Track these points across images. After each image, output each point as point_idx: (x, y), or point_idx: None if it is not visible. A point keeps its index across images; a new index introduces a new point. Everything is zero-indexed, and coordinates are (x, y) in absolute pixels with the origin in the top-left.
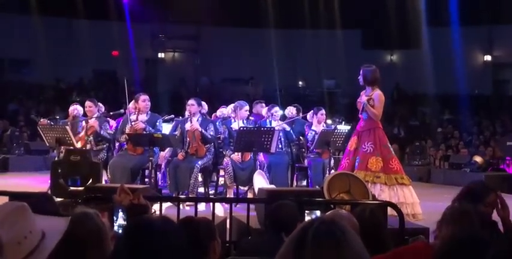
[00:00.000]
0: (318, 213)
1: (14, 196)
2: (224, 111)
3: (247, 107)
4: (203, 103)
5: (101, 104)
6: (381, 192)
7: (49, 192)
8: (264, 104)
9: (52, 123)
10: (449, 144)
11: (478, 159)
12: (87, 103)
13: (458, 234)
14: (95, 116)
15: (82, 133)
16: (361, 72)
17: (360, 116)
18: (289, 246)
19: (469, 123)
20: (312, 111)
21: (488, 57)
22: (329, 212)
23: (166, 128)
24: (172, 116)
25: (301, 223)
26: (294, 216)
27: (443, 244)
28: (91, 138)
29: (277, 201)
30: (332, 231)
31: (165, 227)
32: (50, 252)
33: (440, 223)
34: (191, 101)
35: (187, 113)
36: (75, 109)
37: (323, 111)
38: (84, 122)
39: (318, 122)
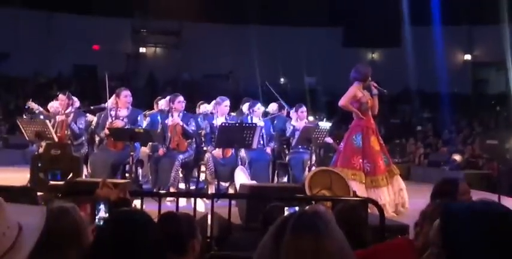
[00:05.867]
0: (297, 209)
1: None
2: (208, 107)
3: (226, 102)
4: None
5: (75, 99)
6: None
7: (28, 186)
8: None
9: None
10: (428, 142)
11: (457, 157)
12: (60, 96)
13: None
14: (68, 110)
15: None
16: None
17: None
18: (269, 235)
19: (448, 121)
20: (294, 108)
21: (468, 57)
22: (307, 207)
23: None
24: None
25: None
26: None
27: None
28: (69, 132)
29: (259, 196)
30: (313, 221)
31: (146, 220)
32: (30, 249)
33: (422, 222)
34: (181, 98)
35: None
36: (52, 106)
37: (303, 109)
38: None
39: (299, 119)
